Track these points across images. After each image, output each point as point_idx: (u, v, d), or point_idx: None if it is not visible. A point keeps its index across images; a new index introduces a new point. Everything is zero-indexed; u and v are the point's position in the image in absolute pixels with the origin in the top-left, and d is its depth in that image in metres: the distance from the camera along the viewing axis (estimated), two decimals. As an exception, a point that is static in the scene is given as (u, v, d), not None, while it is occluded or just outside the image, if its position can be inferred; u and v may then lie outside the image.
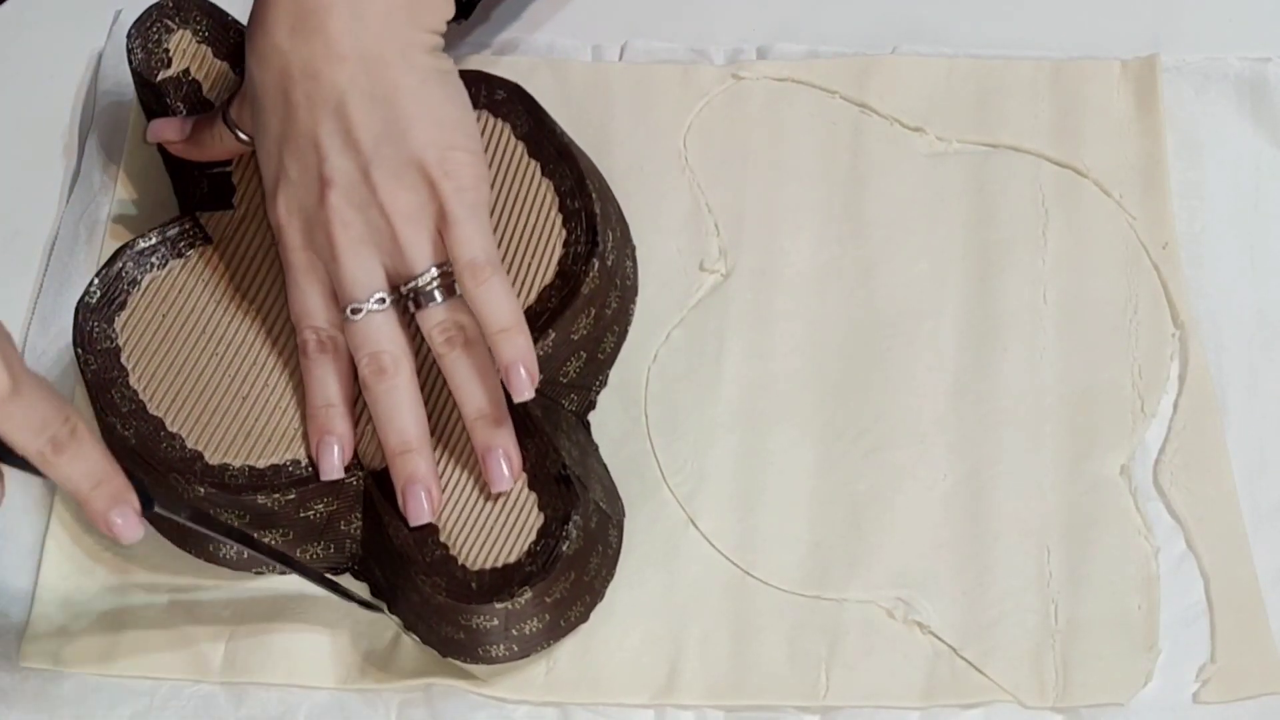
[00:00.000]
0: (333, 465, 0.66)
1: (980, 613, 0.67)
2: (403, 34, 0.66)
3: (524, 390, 0.64)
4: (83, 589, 0.68)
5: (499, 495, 0.65)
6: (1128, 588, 0.67)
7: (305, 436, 0.67)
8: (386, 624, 0.67)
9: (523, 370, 0.64)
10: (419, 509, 0.64)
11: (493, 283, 0.64)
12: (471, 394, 0.65)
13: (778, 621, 0.67)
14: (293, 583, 0.68)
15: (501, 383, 0.65)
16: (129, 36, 0.74)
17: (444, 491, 0.65)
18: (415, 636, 0.66)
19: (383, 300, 0.65)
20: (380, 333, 0.65)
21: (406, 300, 0.65)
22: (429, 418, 0.66)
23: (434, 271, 0.65)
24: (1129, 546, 0.68)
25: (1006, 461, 0.70)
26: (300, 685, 0.66)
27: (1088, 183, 0.76)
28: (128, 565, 0.69)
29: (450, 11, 0.68)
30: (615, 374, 0.72)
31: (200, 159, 0.72)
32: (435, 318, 0.65)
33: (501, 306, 0.64)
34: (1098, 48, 0.80)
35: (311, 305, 0.67)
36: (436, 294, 0.65)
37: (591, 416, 0.71)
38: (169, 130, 0.72)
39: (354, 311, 0.65)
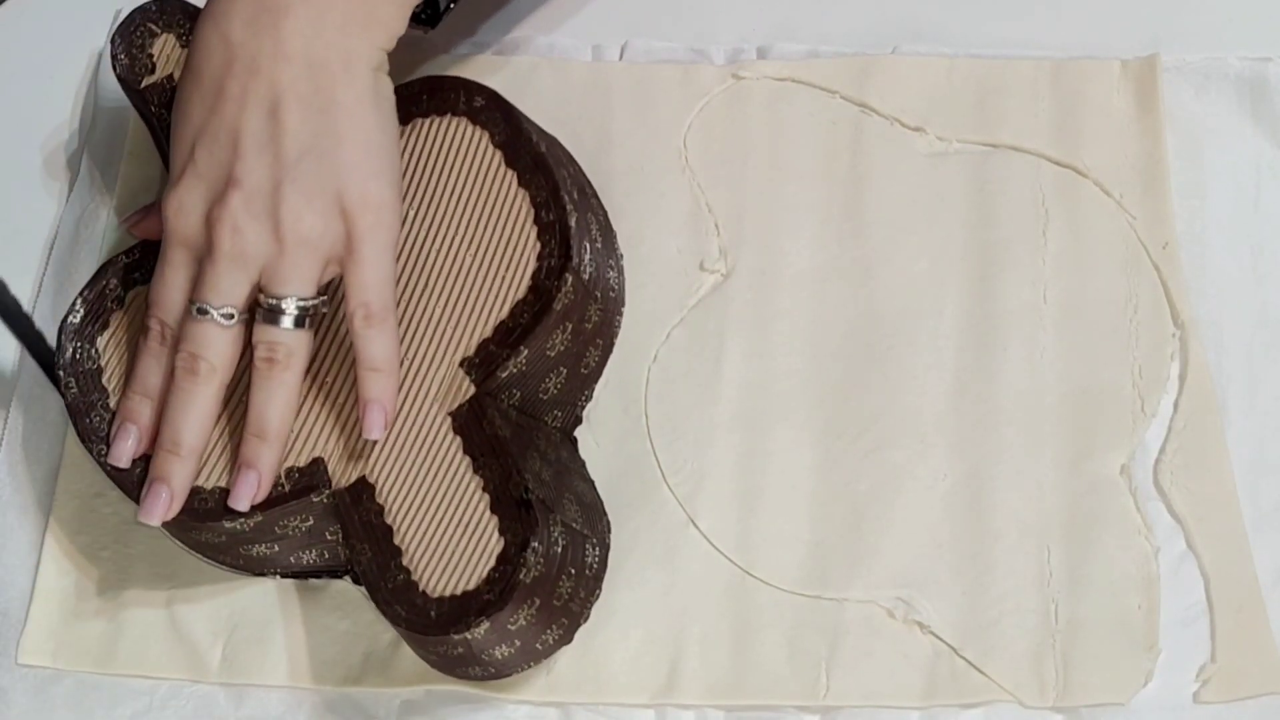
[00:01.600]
0: (124, 453, 0.65)
1: (980, 612, 0.67)
2: (352, 46, 0.65)
3: (374, 429, 0.64)
4: (82, 588, 0.68)
5: (462, 517, 0.64)
6: (1128, 588, 0.67)
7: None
8: (386, 625, 0.67)
9: (379, 410, 0.64)
10: (153, 505, 0.64)
11: (382, 329, 0.64)
12: (262, 413, 0.64)
13: (778, 621, 0.67)
14: (292, 584, 0.68)
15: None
16: (112, 43, 0.73)
17: (408, 515, 0.64)
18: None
19: (230, 316, 0.64)
20: (212, 342, 0.64)
21: (257, 310, 0.64)
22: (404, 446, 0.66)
23: (297, 302, 0.64)
24: (1129, 546, 0.68)
25: (1006, 461, 0.70)
26: (299, 686, 0.66)
27: (1088, 183, 0.76)
28: (126, 564, 0.69)
29: (401, 29, 0.67)
30: (615, 374, 0.72)
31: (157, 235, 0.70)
32: (273, 338, 0.64)
33: (383, 350, 0.64)
34: (1098, 48, 0.80)
35: (169, 299, 0.65)
36: (287, 321, 0.64)
37: (592, 416, 0.71)
38: (136, 215, 0.72)
39: (200, 312, 0.64)
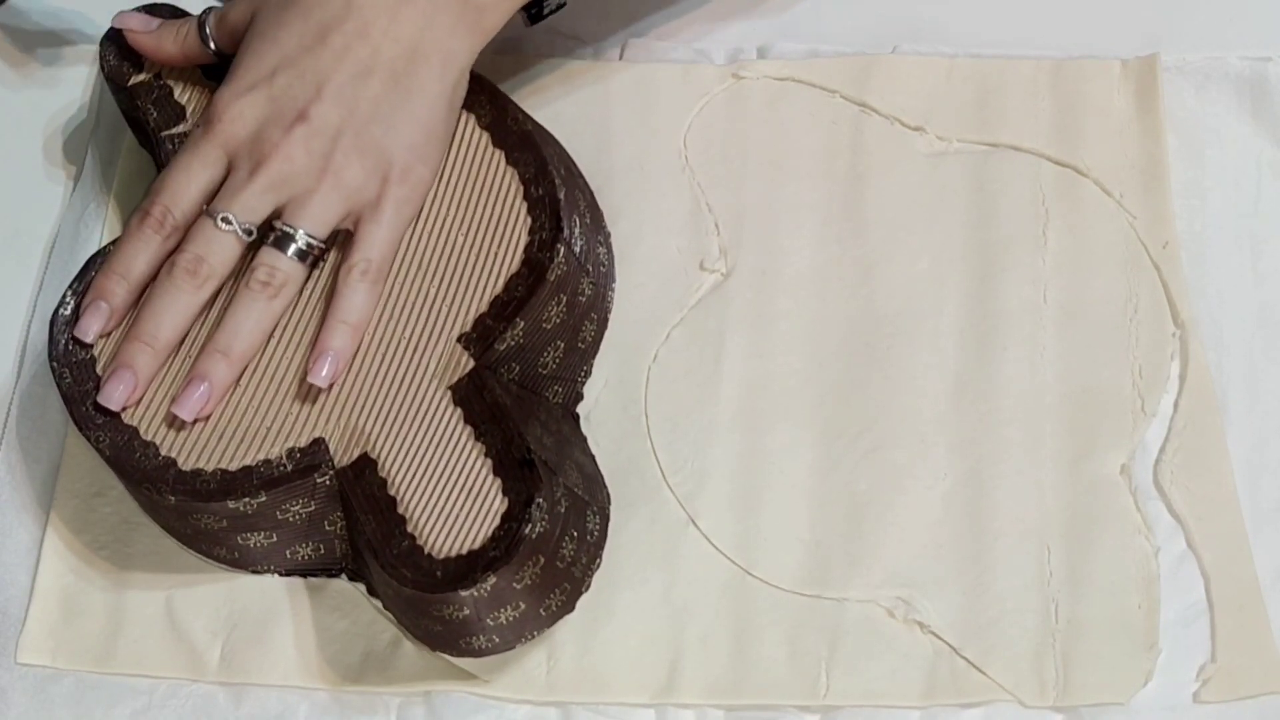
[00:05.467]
0: (91, 328, 0.66)
1: (980, 612, 0.67)
2: (454, 46, 0.68)
3: (322, 377, 0.65)
4: (80, 587, 0.68)
5: (464, 481, 0.64)
6: (1128, 587, 0.67)
7: (276, 436, 0.66)
8: (385, 625, 0.67)
9: (330, 361, 0.65)
10: (115, 388, 0.65)
11: (369, 287, 0.67)
12: (236, 330, 0.66)
13: (778, 621, 0.67)
14: (291, 582, 0.68)
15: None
16: (101, 45, 0.74)
17: (412, 485, 0.65)
18: (407, 633, 0.66)
19: (250, 233, 0.66)
20: (220, 251, 0.66)
21: (268, 232, 0.67)
22: (387, 399, 0.66)
23: (307, 237, 0.66)
24: (1129, 546, 0.68)
25: (1006, 461, 0.70)
26: (298, 686, 0.66)
27: (1088, 182, 0.76)
28: (126, 564, 0.69)
29: (496, 33, 0.70)
30: (615, 374, 0.72)
31: (152, 55, 0.73)
32: (275, 262, 0.66)
33: (363, 307, 0.66)
34: (1098, 48, 0.80)
35: (184, 192, 0.67)
36: (293, 250, 0.66)
37: (592, 417, 0.71)
38: (134, 20, 0.73)
39: (223, 221, 0.66)
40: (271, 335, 0.67)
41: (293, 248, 0.66)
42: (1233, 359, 0.73)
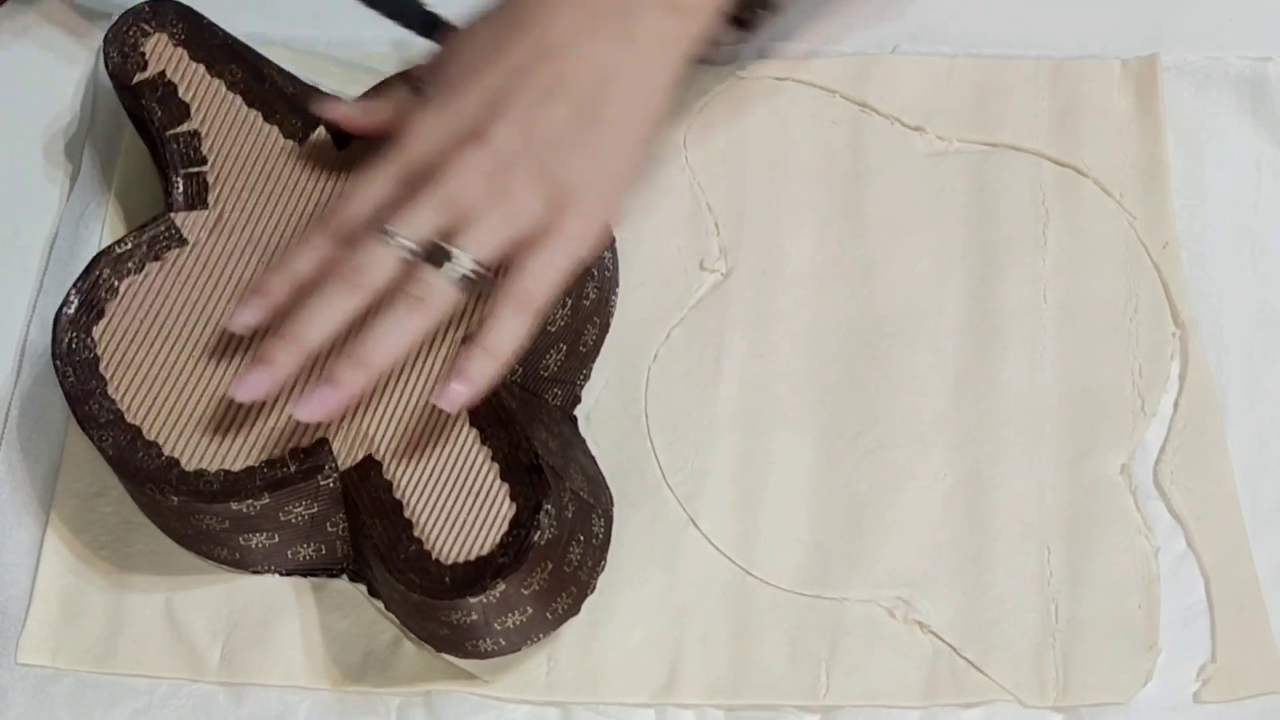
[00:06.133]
0: (245, 320, 0.65)
1: (980, 612, 0.67)
2: (651, 66, 0.65)
3: (443, 399, 0.63)
4: (81, 587, 0.68)
5: (471, 486, 0.64)
6: (1128, 587, 0.67)
7: (279, 438, 0.66)
8: (386, 625, 0.67)
9: (464, 386, 0.63)
10: (249, 383, 0.63)
11: (522, 320, 0.63)
12: (373, 343, 0.63)
13: (778, 621, 0.67)
14: (292, 582, 0.68)
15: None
16: (105, 42, 0.74)
17: (418, 488, 0.65)
18: (410, 634, 0.66)
19: (413, 251, 0.63)
20: (380, 264, 0.64)
21: (426, 251, 0.64)
22: (403, 409, 0.66)
23: (471, 264, 0.63)
24: (1129, 546, 0.68)
25: (1006, 461, 0.70)
26: (298, 686, 0.66)
27: (1088, 182, 0.76)
28: (125, 563, 0.69)
29: (682, 69, 0.67)
30: (615, 374, 0.72)
31: (371, 129, 0.70)
32: (431, 280, 0.63)
33: (508, 337, 0.63)
34: (1098, 48, 0.80)
35: (360, 202, 0.65)
36: (449, 274, 0.63)
37: (592, 416, 0.71)
38: (342, 108, 0.71)
39: (387, 235, 0.64)
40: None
41: (450, 270, 0.63)
42: (1233, 359, 0.73)
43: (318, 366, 0.67)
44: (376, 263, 0.63)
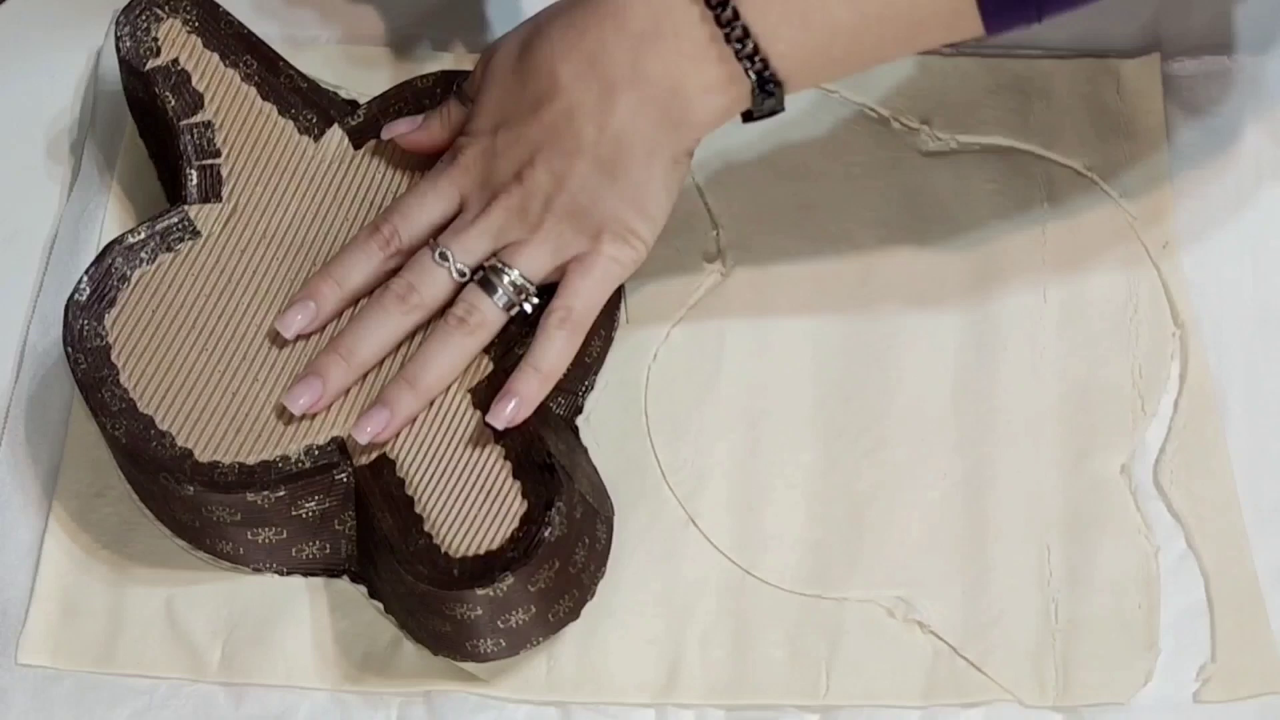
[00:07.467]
0: (293, 324, 0.67)
1: (980, 612, 0.67)
2: (660, 140, 0.66)
3: (498, 417, 0.65)
4: (81, 587, 0.68)
5: (483, 483, 0.65)
6: (1128, 587, 0.67)
7: (295, 433, 0.66)
8: (386, 625, 0.67)
9: (516, 404, 0.65)
10: (299, 396, 0.65)
11: (567, 336, 0.66)
12: (424, 364, 0.66)
13: (778, 621, 0.67)
14: (292, 582, 0.68)
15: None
16: (117, 24, 0.73)
17: (430, 485, 0.65)
18: (409, 635, 0.66)
19: (464, 274, 0.67)
20: (433, 284, 0.67)
21: (477, 271, 0.67)
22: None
23: (519, 284, 0.66)
24: (1129, 546, 0.68)
25: (1006, 461, 0.70)
26: (299, 686, 0.66)
27: (1088, 182, 0.76)
28: (126, 563, 0.68)
29: (710, 130, 0.67)
30: (615, 374, 0.72)
31: (430, 148, 0.71)
32: (476, 302, 0.66)
33: (557, 357, 0.66)
34: (1098, 48, 0.80)
35: (418, 219, 0.68)
36: (499, 298, 0.66)
37: (591, 415, 0.71)
38: (403, 125, 0.72)
39: (440, 256, 0.66)
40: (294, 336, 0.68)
41: (498, 291, 0.66)
42: (1233, 359, 0.72)
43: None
44: (429, 282, 0.66)
